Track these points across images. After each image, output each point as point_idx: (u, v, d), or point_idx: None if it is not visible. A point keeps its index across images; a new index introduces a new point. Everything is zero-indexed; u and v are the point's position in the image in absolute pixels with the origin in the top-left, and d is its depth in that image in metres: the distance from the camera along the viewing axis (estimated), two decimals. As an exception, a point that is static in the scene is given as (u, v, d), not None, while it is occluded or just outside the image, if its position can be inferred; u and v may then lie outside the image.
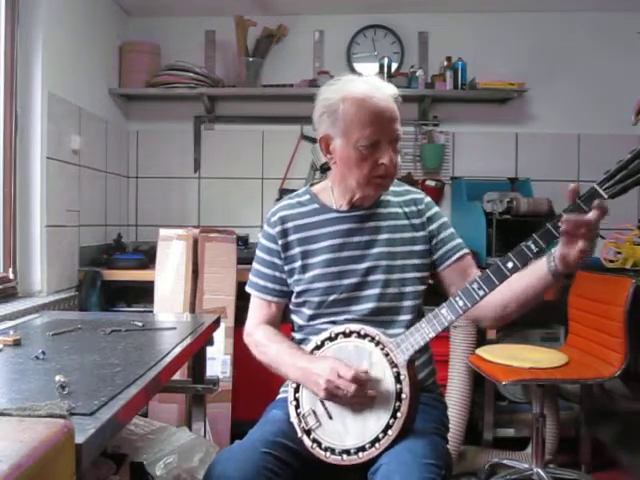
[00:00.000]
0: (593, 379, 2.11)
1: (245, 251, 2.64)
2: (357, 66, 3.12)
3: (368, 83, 1.34)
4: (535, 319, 2.77)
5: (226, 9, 3.00)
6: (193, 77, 2.92)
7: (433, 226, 1.44)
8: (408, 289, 1.40)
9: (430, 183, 3.02)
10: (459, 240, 1.46)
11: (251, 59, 3.01)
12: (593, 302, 2.26)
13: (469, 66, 2.96)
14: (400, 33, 3.11)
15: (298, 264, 1.42)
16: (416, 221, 1.43)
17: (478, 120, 3.14)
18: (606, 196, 1.09)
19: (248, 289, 1.51)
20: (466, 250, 1.45)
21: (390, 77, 2.98)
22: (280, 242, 1.43)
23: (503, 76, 2.94)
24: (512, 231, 2.57)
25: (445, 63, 2.98)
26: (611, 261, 2.47)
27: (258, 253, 1.49)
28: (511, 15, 3.10)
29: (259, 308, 1.48)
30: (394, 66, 3.06)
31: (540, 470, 2.18)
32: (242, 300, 1.58)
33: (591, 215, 1.06)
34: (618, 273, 2.28)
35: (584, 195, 1.11)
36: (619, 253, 2.47)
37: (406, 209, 1.44)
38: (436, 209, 1.47)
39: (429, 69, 3.08)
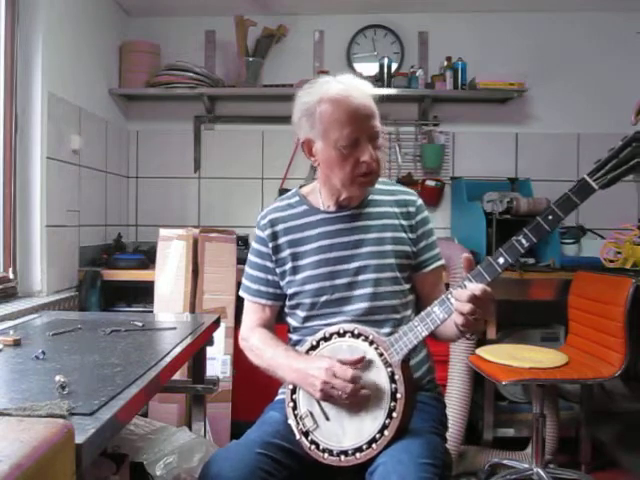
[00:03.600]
0: (593, 379, 2.10)
1: (245, 251, 2.61)
2: (357, 66, 3.12)
3: (343, 83, 1.34)
4: (535, 319, 2.77)
5: (226, 9, 3.00)
6: (193, 77, 2.92)
7: (419, 231, 1.44)
8: (400, 287, 1.40)
9: (430, 183, 3.03)
10: (438, 250, 1.47)
11: (251, 59, 3.01)
12: (593, 302, 2.26)
13: (469, 66, 2.96)
14: (400, 33, 3.11)
15: (289, 266, 1.42)
16: (406, 222, 1.43)
17: (478, 120, 3.14)
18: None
19: (242, 293, 1.51)
20: (442, 262, 1.47)
21: (390, 77, 2.99)
22: (271, 245, 1.43)
23: (503, 76, 2.93)
24: (512, 231, 2.53)
25: (445, 63, 2.97)
26: (611, 261, 2.48)
27: (250, 257, 1.48)
28: (511, 15, 3.10)
29: (253, 312, 1.48)
30: (394, 66, 3.05)
31: (540, 470, 2.18)
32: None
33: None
34: (618, 273, 2.29)
35: (574, 187, 1.09)
36: (619, 253, 2.47)
37: (397, 209, 1.43)
38: (426, 214, 1.46)
39: (429, 69, 3.08)
